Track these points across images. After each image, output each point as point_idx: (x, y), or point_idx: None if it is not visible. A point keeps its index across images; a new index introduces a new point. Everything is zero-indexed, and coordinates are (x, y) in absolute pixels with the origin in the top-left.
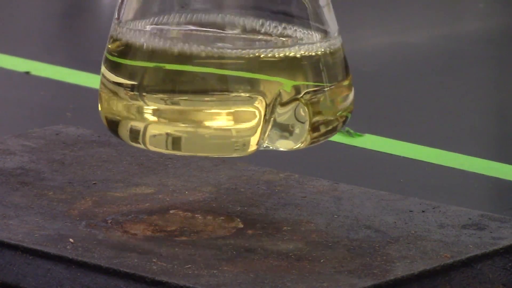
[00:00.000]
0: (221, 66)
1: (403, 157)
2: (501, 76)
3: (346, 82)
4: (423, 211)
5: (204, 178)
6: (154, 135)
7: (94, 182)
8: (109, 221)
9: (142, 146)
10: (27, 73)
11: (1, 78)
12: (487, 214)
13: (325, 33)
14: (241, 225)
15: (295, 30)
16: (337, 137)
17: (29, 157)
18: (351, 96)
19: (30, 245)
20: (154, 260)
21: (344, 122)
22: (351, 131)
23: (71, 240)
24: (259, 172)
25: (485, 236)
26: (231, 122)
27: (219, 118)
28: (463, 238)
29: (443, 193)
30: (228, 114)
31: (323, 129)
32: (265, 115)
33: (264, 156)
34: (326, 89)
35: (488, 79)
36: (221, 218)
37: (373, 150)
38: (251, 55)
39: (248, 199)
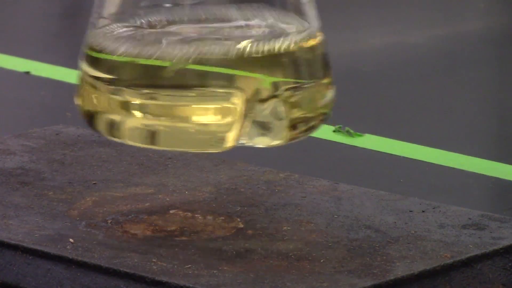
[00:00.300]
0: (199, 62)
1: (403, 157)
2: (501, 76)
3: (325, 80)
4: (423, 211)
5: (204, 178)
6: (131, 129)
7: (94, 182)
8: (109, 221)
9: (119, 140)
10: (27, 73)
11: (1, 78)
12: (487, 214)
13: (305, 29)
14: (241, 225)
15: (275, 26)
16: (337, 137)
17: (29, 157)
18: (331, 94)
19: (30, 245)
20: (154, 260)
21: (322, 120)
22: (351, 131)
23: (71, 240)
24: (259, 172)
25: (485, 236)
26: (209, 118)
27: (196, 113)
28: (463, 238)
29: (443, 193)
30: (206, 109)
31: (301, 127)
32: (243, 111)
33: (264, 156)
34: (305, 86)
35: (488, 79)
36: (221, 218)
37: (373, 150)
38: (229, 51)
39: (248, 199)
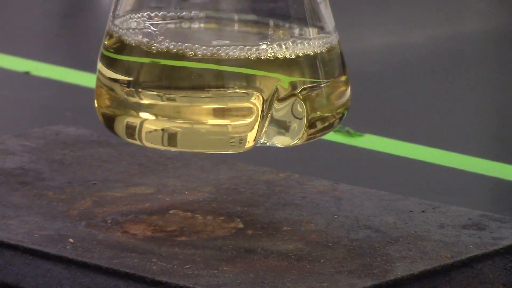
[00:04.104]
0: (218, 62)
1: (403, 157)
2: (501, 76)
3: (343, 78)
4: (423, 211)
5: (204, 178)
6: (150, 131)
7: (94, 182)
8: (109, 221)
9: (138, 142)
10: (27, 73)
11: (1, 78)
12: (487, 214)
13: (321, 29)
14: (241, 225)
15: (292, 26)
16: (337, 137)
17: (29, 157)
18: (348, 92)
19: (30, 245)
20: (154, 260)
21: (340, 119)
22: (351, 131)
23: (71, 240)
24: (259, 172)
25: (485, 236)
26: (228, 118)
27: (215, 114)
28: (463, 238)
29: (443, 193)
30: (225, 110)
31: (320, 125)
32: (262, 111)
33: (264, 156)
34: (323, 85)
35: (488, 79)
36: (221, 218)
37: (373, 150)
38: (248, 52)
39: (248, 199)
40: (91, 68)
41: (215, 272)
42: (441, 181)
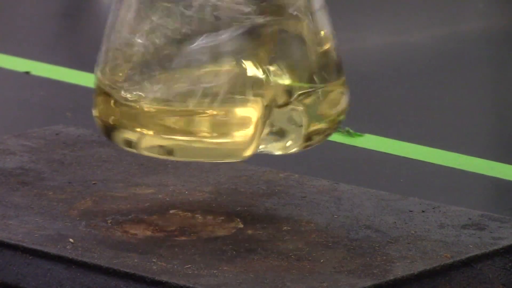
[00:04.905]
0: (217, 70)
1: (403, 157)
2: (501, 76)
3: (341, 84)
4: (423, 211)
5: (204, 178)
6: (149, 143)
7: (94, 182)
8: (109, 221)
9: (135, 151)
10: (27, 73)
11: (1, 78)
12: (487, 214)
13: (320, 35)
14: (241, 225)
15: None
16: (337, 137)
17: (29, 157)
18: (346, 98)
19: (30, 245)
20: (154, 260)
21: (338, 125)
22: (351, 131)
23: (71, 240)
24: (259, 172)
25: (485, 236)
26: (228, 127)
27: (215, 122)
28: (463, 238)
29: (443, 193)
30: (225, 118)
31: (317, 132)
32: (261, 118)
33: (264, 156)
34: (321, 91)
35: (488, 79)
36: (221, 218)
37: (373, 150)
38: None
39: (248, 199)
40: (91, 68)
41: (215, 272)
42: (441, 181)
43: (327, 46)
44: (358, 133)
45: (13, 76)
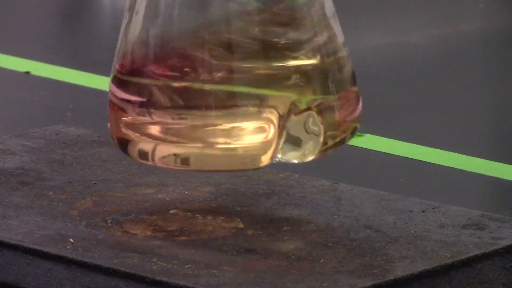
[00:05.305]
0: (231, 82)
1: (403, 157)
2: (501, 76)
3: (355, 93)
4: (423, 211)
5: (204, 178)
6: (164, 152)
7: (94, 182)
8: (109, 221)
9: (151, 163)
10: (27, 73)
11: (1, 78)
12: (487, 214)
13: (333, 44)
14: (241, 225)
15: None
16: None
17: (29, 157)
18: (360, 105)
19: (30, 245)
20: (154, 260)
21: (353, 133)
22: None
23: (71, 240)
24: (259, 172)
25: (485, 236)
26: (244, 137)
27: (231, 134)
28: (463, 238)
29: (443, 193)
30: (240, 129)
31: (334, 140)
32: (278, 128)
33: None
34: (336, 100)
35: (488, 79)
36: (221, 218)
37: (373, 150)
38: (260, 71)
39: (248, 199)
40: (91, 68)
41: (215, 272)
42: (441, 181)
43: (341, 54)
44: (358, 133)
45: (13, 76)
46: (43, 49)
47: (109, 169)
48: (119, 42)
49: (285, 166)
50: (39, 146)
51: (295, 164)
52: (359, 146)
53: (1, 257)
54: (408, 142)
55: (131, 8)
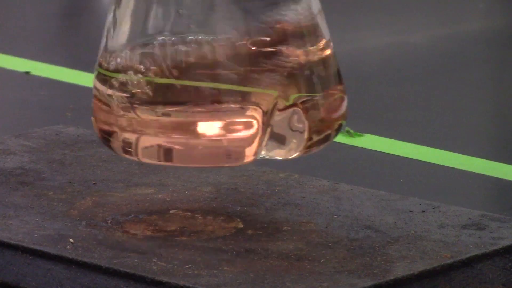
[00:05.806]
0: (215, 79)
1: (403, 157)
2: (501, 76)
3: (340, 90)
4: (423, 211)
5: (204, 178)
6: (147, 142)
7: (94, 182)
8: (109, 221)
9: (134, 158)
10: (27, 73)
11: (1, 78)
12: (487, 214)
13: (318, 41)
14: (241, 225)
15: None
16: (337, 137)
17: (29, 157)
18: (345, 103)
19: (30, 245)
20: (154, 260)
21: (338, 130)
22: (351, 131)
23: (71, 240)
24: (259, 172)
25: (485, 236)
26: (227, 133)
27: (214, 129)
28: (463, 238)
29: (443, 193)
30: (224, 124)
31: (318, 137)
32: (262, 124)
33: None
34: (320, 97)
35: (488, 79)
36: (221, 218)
37: (373, 150)
38: (244, 68)
39: (248, 199)
40: (91, 68)
41: (215, 272)
42: (441, 181)
43: (326, 52)
44: (358, 133)
45: (13, 76)
46: (43, 49)
47: (109, 169)
48: (102, 38)
49: (285, 166)
50: (39, 146)
51: (292, 161)
52: (359, 146)
53: (1, 257)
54: (408, 142)
55: (115, 3)
